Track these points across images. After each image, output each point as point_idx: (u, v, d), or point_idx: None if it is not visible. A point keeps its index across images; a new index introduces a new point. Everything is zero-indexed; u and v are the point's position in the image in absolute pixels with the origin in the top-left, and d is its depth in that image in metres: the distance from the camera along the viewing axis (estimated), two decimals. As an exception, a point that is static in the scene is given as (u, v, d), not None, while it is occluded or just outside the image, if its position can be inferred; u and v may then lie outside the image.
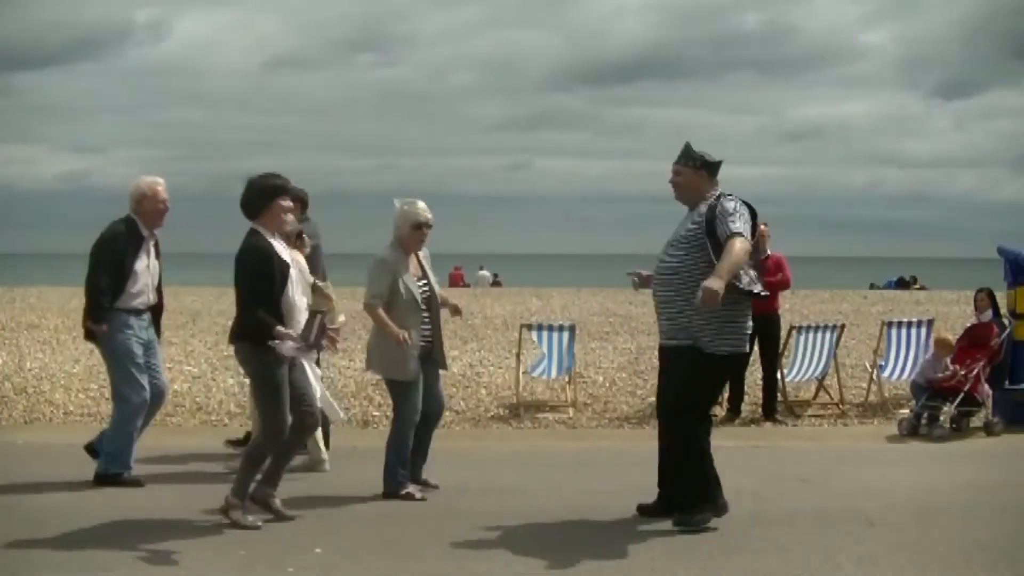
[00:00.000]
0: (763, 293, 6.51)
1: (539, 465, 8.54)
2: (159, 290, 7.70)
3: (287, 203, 6.63)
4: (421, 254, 7.39)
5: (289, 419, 6.50)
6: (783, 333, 11.06)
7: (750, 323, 6.56)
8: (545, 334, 11.50)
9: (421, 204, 7.30)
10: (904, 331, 11.48)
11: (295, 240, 7.38)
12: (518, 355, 11.52)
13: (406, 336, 7.04)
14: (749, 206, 6.47)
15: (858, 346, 15.00)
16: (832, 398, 11.34)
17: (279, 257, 6.51)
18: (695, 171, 6.53)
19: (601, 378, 12.72)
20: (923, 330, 11.51)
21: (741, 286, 6.31)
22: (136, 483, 7.48)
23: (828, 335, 11.23)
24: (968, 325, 11.05)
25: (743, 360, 6.80)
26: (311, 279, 7.12)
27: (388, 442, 7.31)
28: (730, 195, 6.46)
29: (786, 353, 11.13)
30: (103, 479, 7.49)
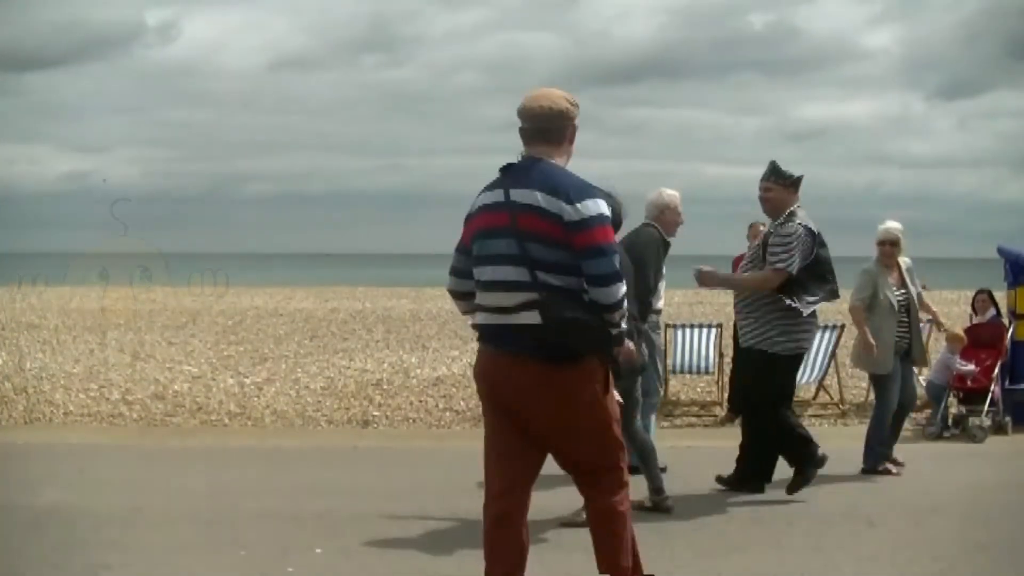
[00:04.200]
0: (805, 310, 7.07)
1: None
2: None
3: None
4: (903, 266, 8.30)
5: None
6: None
7: (809, 330, 7.25)
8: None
9: (891, 223, 8.30)
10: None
11: None
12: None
13: (873, 343, 7.98)
14: (813, 232, 7.01)
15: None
16: (832, 398, 11.34)
17: None
18: (785, 188, 7.09)
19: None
20: (923, 330, 11.44)
21: (793, 304, 6.97)
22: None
23: (828, 336, 11.21)
24: (968, 326, 11.00)
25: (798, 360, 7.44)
26: None
27: (870, 426, 8.24)
28: (797, 220, 6.99)
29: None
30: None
